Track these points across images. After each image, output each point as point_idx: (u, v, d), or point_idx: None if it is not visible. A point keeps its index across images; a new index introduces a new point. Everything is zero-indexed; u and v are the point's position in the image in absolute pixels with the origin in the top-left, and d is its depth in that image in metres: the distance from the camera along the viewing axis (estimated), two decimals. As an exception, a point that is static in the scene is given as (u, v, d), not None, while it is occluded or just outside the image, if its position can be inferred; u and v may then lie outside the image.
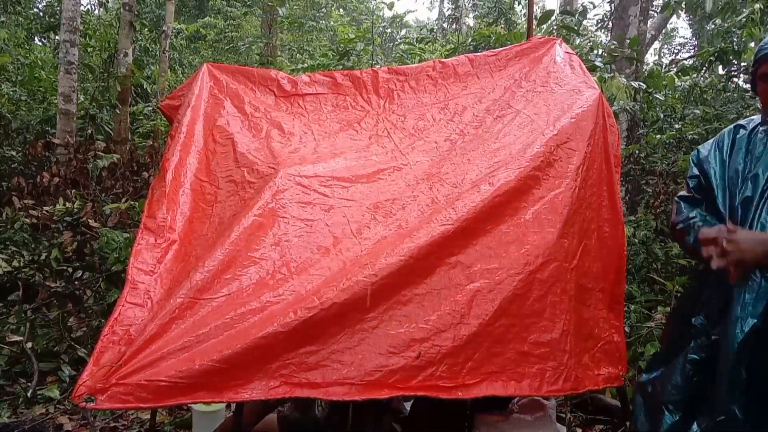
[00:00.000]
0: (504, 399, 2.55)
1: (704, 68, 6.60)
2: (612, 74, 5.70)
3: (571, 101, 2.59)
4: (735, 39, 6.41)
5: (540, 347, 2.13)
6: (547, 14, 6.47)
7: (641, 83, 6.05)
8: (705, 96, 6.98)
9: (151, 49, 10.76)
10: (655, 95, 6.20)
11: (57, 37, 10.11)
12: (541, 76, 2.76)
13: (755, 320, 1.67)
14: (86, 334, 4.03)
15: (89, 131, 7.31)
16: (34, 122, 8.01)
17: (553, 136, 2.42)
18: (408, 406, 2.87)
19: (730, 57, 6.35)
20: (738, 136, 1.99)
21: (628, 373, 2.59)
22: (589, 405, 3.32)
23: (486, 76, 2.91)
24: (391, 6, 9.09)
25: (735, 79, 7.15)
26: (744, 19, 5.77)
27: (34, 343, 3.92)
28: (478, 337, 2.04)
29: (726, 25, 6.83)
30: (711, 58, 6.34)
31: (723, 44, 6.33)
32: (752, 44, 5.84)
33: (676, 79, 6.74)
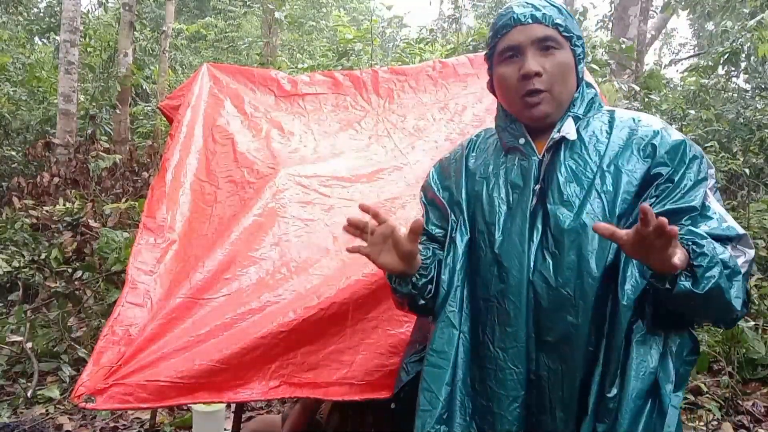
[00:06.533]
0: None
1: (717, 69, 6.58)
2: (606, 78, 5.70)
3: (570, 101, 2.59)
4: (743, 41, 6.40)
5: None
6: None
7: (635, 86, 6.07)
8: (705, 96, 6.97)
9: (151, 49, 10.76)
10: (652, 97, 6.20)
11: (57, 38, 10.12)
12: (541, 76, 2.75)
13: None
14: (86, 334, 4.03)
15: (89, 131, 7.32)
16: (34, 122, 8.04)
17: (553, 135, 2.42)
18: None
19: (740, 60, 6.34)
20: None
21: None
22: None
23: (486, 75, 2.90)
24: (390, 7, 9.10)
25: (735, 79, 7.14)
26: (755, 24, 5.76)
27: (34, 343, 3.92)
28: (478, 337, 2.03)
29: (736, 27, 6.81)
30: (721, 58, 6.34)
31: (733, 46, 6.32)
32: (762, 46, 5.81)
33: (681, 80, 6.74)
